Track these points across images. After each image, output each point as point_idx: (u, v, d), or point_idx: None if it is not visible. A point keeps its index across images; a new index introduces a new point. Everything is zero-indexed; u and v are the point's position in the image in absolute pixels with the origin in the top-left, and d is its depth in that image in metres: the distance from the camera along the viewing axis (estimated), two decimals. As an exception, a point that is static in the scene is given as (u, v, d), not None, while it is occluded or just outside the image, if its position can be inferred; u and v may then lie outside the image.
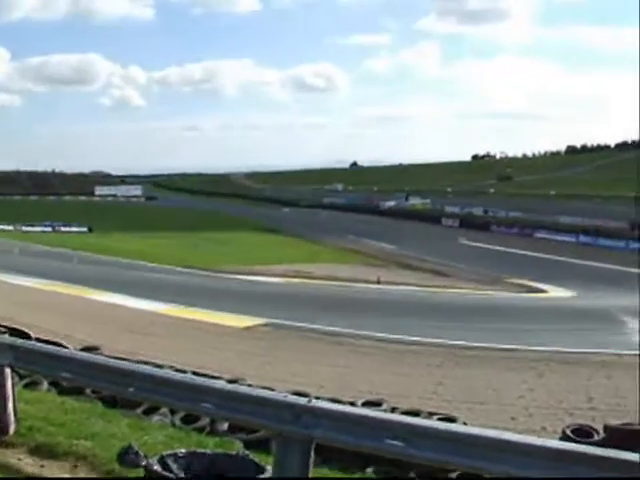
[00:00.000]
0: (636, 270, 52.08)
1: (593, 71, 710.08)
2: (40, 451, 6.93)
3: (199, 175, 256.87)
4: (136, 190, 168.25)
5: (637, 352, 24.35)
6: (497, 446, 4.85)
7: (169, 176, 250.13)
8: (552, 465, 4.59)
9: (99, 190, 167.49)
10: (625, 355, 23.61)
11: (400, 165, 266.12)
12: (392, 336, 24.66)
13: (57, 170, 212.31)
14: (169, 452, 4.73)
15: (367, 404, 10.49)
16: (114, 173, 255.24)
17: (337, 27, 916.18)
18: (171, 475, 4.47)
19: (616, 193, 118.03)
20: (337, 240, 71.98)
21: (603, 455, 4.55)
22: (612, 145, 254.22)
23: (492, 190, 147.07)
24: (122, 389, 6.87)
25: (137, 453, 4.86)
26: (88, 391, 9.79)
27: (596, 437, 9.99)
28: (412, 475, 8.31)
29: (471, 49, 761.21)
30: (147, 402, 8.63)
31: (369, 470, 8.34)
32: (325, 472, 6.96)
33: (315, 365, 20.31)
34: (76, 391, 9.64)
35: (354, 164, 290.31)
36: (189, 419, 9.17)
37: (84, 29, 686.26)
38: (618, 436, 9.75)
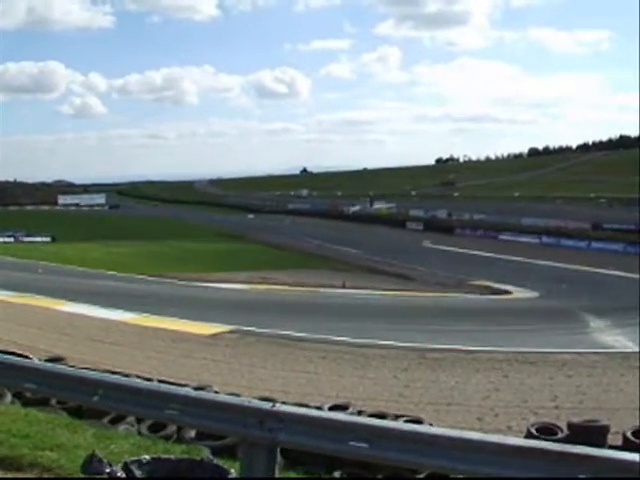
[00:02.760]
0: (597, 270, 52.78)
1: (552, 73, 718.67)
2: (4, 463, 6.85)
3: (163, 183, 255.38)
4: (99, 199, 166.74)
5: (598, 351, 24.74)
6: (460, 445, 4.92)
7: (133, 184, 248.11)
8: (514, 462, 4.66)
9: (62, 199, 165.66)
10: (587, 354, 23.96)
11: (364, 170, 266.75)
12: (359, 340, 24.73)
13: (18, 180, 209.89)
14: (133, 459, 4.72)
15: (334, 408, 10.51)
16: (77, 182, 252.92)
17: (297, 33, 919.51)
18: (135, 482, 4.48)
19: (577, 194, 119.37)
20: (302, 246, 71.97)
21: (564, 451, 4.63)
22: (574, 147, 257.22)
23: (456, 194, 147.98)
24: (87, 398, 6.84)
25: (101, 460, 4.85)
26: (53, 402, 9.73)
27: (560, 434, 10.13)
28: (380, 477, 8.40)
29: (430, 53, 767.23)
30: (112, 411, 8.59)
31: (336, 474, 8.41)
32: (291, 476, 6.98)
33: (282, 371, 20.31)
34: (41, 402, 9.57)
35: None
36: (156, 427, 9.15)
37: (42, 37, 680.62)
38: (581, 433, 9.90)
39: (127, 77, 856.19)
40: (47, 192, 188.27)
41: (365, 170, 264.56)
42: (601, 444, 9.19)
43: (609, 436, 10.32)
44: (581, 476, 4.40)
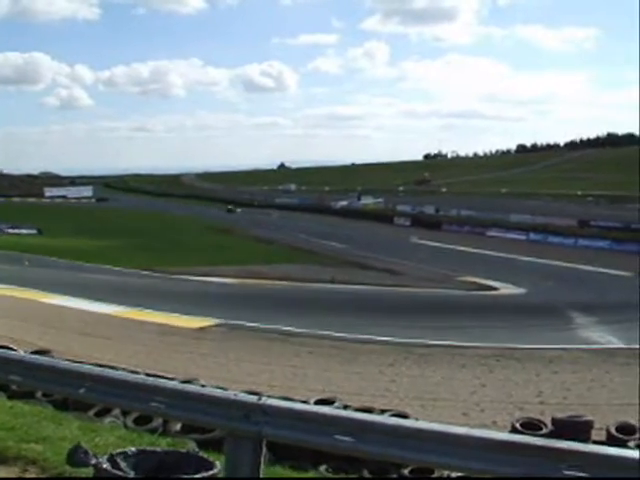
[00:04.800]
0: (584, 267, 53.01)
1: (540, 71, 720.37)
2: (-12, 456, 6.84)
3: (150, 176, 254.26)
4: (86, 191, 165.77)
5: (584, 347, 24.86)
6: (445, 440, 4.93)
7: (120, 177, 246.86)
8: (498, 456, 4.69)
9: (49, 191, 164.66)
10: (572, 350, 24.07)
11: (352, 165, 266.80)
12: (345, 335, 24.78)
13: (4, 171, 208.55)
14: (119, 451, 4.71)
15: (320, 402, 10.54)
16: (64, 174, 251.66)
17: (284, 27, 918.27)
18: (120, 473, 4.47)
19: (565, 191, 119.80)
20: (290, 240, 71.93)
21: (548, 446, 4.66)
22: (561, 144, 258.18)
23: (444, 189, 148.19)
24: (72, 391, 6.82)
25: (86, 452, 4.84)
26: (39, 395, 9.71)
27: (544, 430, 10.19)
28: (365, 472, 8.43)
29: (418, 49, 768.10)
30: (98, 403, 8.59)
31: (322, 468, 8.44)
32: (278, 470, 6.99)
33: (269, 365, 20.33)
34: (26, 395, 9.55)
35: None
36: (142, 420, 9.15)
37: (28, 28, 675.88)
38: (565, 427, 9.97)
39: (113, 69, 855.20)
40: (33, 184, 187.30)
41: (353, 165, 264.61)
42: (585, 439, 9.26)
43: (593, 431, 10.40)
44: (565, 471, 4.43)
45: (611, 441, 9.60)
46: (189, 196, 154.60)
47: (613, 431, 10.20)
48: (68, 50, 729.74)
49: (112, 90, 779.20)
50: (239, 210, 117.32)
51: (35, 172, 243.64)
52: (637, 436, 9.90)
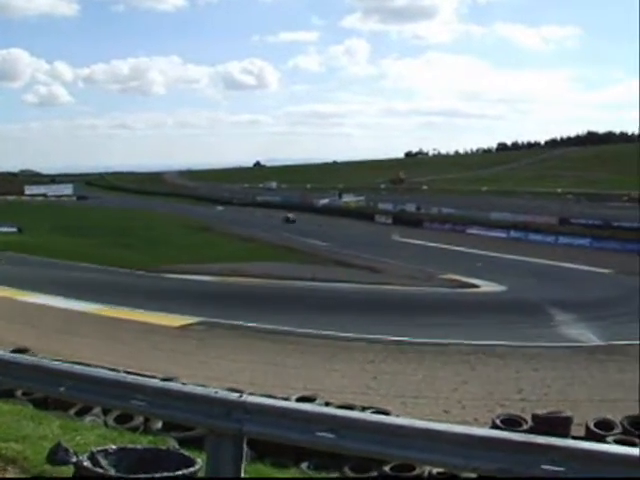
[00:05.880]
0: (564, 264, 53.29)
1: (520, 69, 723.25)
2: (-32, 455, 6.80)
3: (132, 174, 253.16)
4: (67, 189, 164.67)
5: (564, 344, 25.05)
6: (426, 436, 4.95)
7: (101, 175, 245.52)
8: (479, 452, 4.72)
9: (29, 189, 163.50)
10: (553, 347, 24.25)
11: (334, 162, 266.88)
12: (327, 332, 24.84)
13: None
14: (99, 448, 4.71)
15: (301, 399, 10.56)
16: (44, 172, 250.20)
17: (265, 24, 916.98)
18: (101, 471, 4.46)
19: (546, 189, 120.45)
20: (272, 238, 71.84)
21: (528, 441, 4.69)
22: (542, 142, 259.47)
23: (425, 187, 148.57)
24: (53, 389, 6.79)
25: (67, 450, 4.84)
26: (19, 393, 9.67)
27: (524, 426, 10.27)
28: (347, 469, 8.47)
29: (398, 47, 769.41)
30: (78, 402, 8.56)
31: (304, 465, 8.46)
32: (259, 467, 7.00)
33: (250, 363, 20.34)
34: (6, 394, 9.51)
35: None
36: (123, 419, 9.14)
37: (5, 24, 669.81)
38: (545, 423, 10.05)
39: (93, 66, 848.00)
40: (13, 182, 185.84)
41: (335, 163, 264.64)
42: (564, 435, 9.33)
43: (572, 427, 10.48)
44: (544, 466, 4.46)
45: (590, 436, 9.69)
46: (170, 194, 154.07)
47: (592, 427, 10.29)
48: (47, 46, 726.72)
49: (92, 87, 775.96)
50: (221, 208, 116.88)
51: (15, 170, 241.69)
52: (615, 432, 9.99)
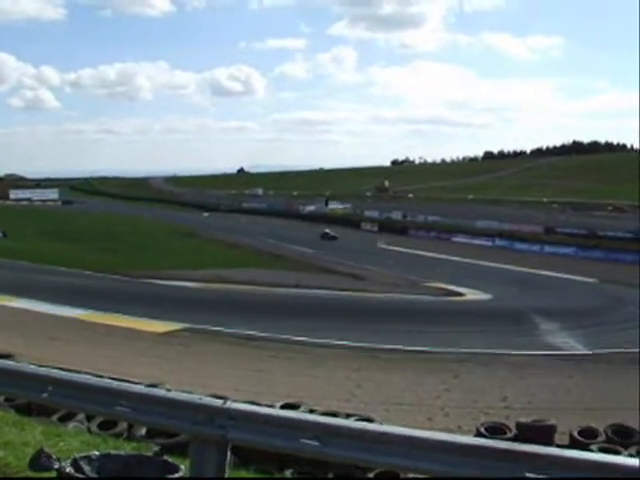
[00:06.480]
0: (549, 273, 53.49)
1: (506, 78, 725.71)
2: (-50, 461, 6.74)
3: (117, 179, 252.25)
4: (52, 194, 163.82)
5: (548, 353, 25.14)
6: (410, 443, 4.96)
7: (87, 180, 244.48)
8: (462, 460, 4.72)
9: (14, 194, 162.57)
10: (537, 356, 24.33)
11: (320, 169, 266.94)
12: (311, 340, 24.82)
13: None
14: (82, 455, 4.68)
15: (285, 406, 10.54)
16: (30, 176, 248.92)
17: (252, 31, 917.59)
18: (84, 477, 4.43)
19: (531, 198, 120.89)
20: (257, 245, 71.69)
21: (511, 449, 4.70)
22: (528, 151, 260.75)
23: (411, 195, 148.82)
24: (36, 395, 6.75)
25: (49, 456, 4.81)
26: (1, 399, 9.60)
27: (508, 433, 10.30)
28: (331, 476, 8.45)
29: (385, 55, 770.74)
30: (62, 408, 8.51)
31: (287, 472, 8.44)
32: (243, 474, 6.98)
33: (235, 369, 20.30)
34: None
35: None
36: (106, 425, 9.09)
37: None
38: (529, 431, 10.08)
39: (80, 71, 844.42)
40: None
41: (321, 170, 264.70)
42: (548, 443, 9.36)
43: (556, 435, 10.52)
44: (527, 473, 4.47)
45: (574, 445, 9.72)
46: (156, 199, 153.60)
47: (576, 435, 10.33)
48: (33, 51, 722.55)
49: (79, 92, 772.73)
50: (206, 214, 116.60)
51: (0, 174, 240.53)
52: (599, 440, 10.03)
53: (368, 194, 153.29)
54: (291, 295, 40.16)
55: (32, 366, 7.98)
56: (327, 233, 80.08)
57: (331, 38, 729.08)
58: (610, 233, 71.00)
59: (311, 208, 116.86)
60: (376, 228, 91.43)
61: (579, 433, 10.34)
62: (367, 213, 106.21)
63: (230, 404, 5.41)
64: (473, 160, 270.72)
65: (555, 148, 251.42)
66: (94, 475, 4.55)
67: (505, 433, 10.25)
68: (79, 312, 28.23)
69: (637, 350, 24.39)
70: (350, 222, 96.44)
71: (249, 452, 6.86)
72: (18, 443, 6.93)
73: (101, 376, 10.06)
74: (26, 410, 9.28)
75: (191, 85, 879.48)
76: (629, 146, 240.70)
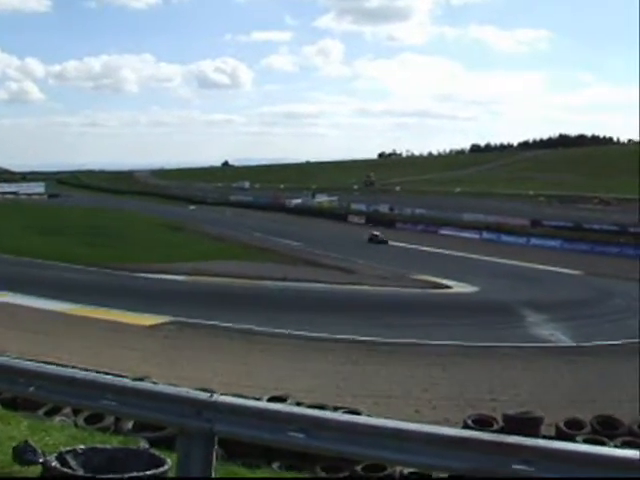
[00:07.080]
0: (536, 265, 53.69)
1: (493, 71, 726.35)
2: None
3: (104, 172, 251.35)
4: (38, 187, 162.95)
5: (535, 345, 25.24)
6: (397, 436, 4.95)
7: (73, 173, 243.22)
8: (450, 452, 4.72)
9: None
10: (524, 348, 24.41)
11: (307, 162, 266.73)
12: (299, 332, 24.83)
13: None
14: (68, 448, 4.64)
15: (273, 399, 10.53)
16: (15, 170, 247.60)
17: (237, 23, 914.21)
18: (69, 471, 4.40)
19: (518, 191, 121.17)
20: (244, 238, 71.57)
21: (498, 441, 4.70)
22: (515, 144, 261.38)
23: (398, 188, 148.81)
24: (22, 389, 6.71)
25: (34, 450, 4.77)
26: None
27: (495, 426, 10.33)
28: (318, 469, 8.46)
29: (372, 48, 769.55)
30: (48, 402, 8.47)
31: (275, 465, 8.44)
32: (230, 467, 6.96)
33: (222, 363, 20.29)
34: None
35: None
36: (93, 419, 9.06)
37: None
38: (515, 424, 10.10)
39: (65, 63, 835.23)
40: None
41: (308, 163, 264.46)
42: (535, 434, 9.38)
43: (543, 427, 10.55)
44: (514, 465, 4.48)
45: (560, 436, 9.76)
46: (142, 192, 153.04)
47: (562, 426, 10.36)
48: (18, 42, 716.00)
49: (63, 84, 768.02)
50: (193, 207, 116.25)
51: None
52: (585, 431, 10.07)
53: (355, 187, 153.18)
54: (279, 288, 40.12)
55: (17, 360, 7.93)
56: (376, 236, 70.99)
57: (318, 31, 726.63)
58: (596, 226, 71.41)
59: (298, 201, 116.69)
60: (363, 221, 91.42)
61: (565, 424, 10.38)
62: (354, 206, 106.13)
63: (217, 397, 5.39)
64: (460, 153, 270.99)
65: (542, 141, 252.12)
66: (80, 469, 4.52)
67: (492, 425, 10.27)
68: (64, 305, 28.18)
69: (620, 342, 24.62)
70: (337, 215, 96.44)
71: (236, 445, 6.85)
72: (4, 438, 6.88)
73: (87, 369, 10.04)
74: (12, 404, 9.23)
75: (177, 78, 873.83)
76: (615, 139, 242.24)
